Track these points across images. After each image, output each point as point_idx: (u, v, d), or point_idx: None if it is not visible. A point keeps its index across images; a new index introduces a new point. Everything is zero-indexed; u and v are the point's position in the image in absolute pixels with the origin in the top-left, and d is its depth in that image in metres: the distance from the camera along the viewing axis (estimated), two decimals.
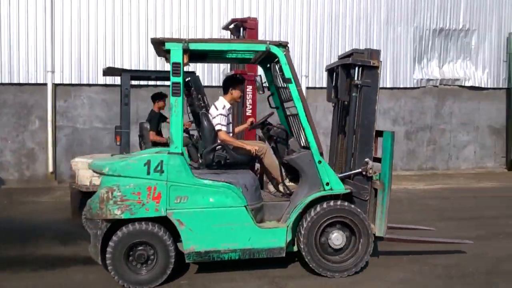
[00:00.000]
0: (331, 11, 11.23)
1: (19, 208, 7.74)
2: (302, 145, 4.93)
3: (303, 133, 4.67)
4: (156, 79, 8.52)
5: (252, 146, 4.78)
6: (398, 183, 9.65)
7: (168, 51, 4.24)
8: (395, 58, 11.57)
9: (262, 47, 4.45)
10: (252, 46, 4.68)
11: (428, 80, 11.90)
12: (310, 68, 11.16)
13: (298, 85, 4.47)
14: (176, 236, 4.27)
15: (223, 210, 4.29)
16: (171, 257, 4.21)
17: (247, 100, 7.41)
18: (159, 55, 4.99)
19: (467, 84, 12.06)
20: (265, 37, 10.07)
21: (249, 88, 7.33)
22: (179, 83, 4.25)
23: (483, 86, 12.15)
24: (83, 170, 6.23)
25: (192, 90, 6.91)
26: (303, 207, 4.39)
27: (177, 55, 4.23)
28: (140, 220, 4.18)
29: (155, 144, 6.85)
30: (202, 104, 6.87)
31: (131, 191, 4.15)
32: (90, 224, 4.51)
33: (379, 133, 4.78)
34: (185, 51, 4.25)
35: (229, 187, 4.30)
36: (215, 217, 4.27)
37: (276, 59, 4.57)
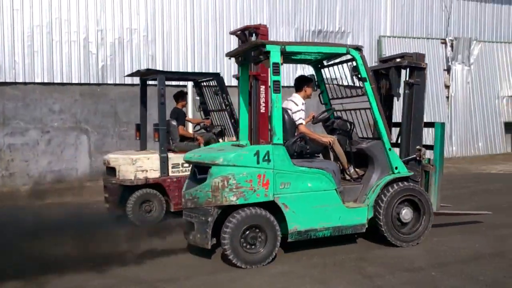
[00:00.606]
0: (214, 11, 11.33)
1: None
2: (359, 136, 5.67)
3: (364, 125, 5.44)
4: (181, 79, 9.29)
5: (328, 138, 5.40)
6: None
7: (268, 53, 4.72)
8: None
9: (343, 50, 5.17)
10: (335, 49, 5.36)
11: None
12: (196, 68, 11.13)
13: (372, 83, 5.20)
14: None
15: (319, 193, 4.91)
16: (278, 237, 4.72)
17: (261, 99, 7.90)
18: (237, 61, 5.43)
19: (344, 83, 12.73)
20: None
21: (262, 88, 7.86)
22: (278, 81, 4.76)
23: (356, 85, 13.29)
24: (125, 165, 6.48)
25: (218, 89, 7.35)
26: (381, 188, 5.13)
27: (276, 56, 4.75)
28: (250, 205, 4.62)
29: (183, 138, 7.20)
30: (227, 102, 7.34)
31: (244, 179, 4.60)
32: (192, 213, 4.82)
33: (427, 124, 5.67)
34: (282, 52, 4.76)
35: (323, 173, 4.93)
36: (313, 199, 4.88)
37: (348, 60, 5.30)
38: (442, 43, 14.18)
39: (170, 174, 6.71)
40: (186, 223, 4.95)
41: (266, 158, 4.67)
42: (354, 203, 5.19)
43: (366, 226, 5.13)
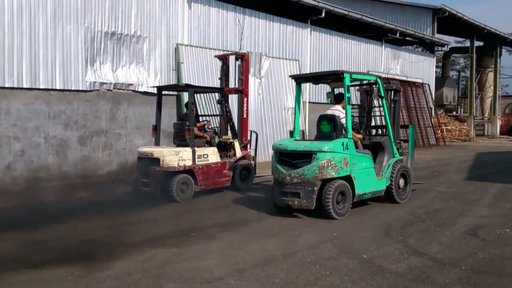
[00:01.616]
0: None
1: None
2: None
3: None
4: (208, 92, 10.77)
5: (358, 135, 8.01)
6: None
7: (343, 78, 7.36)
8: (65, 58, 10.89)
9: (373, 78, 8.28)
10: (369, 77, 8.59)
11: (102, 83, 11.51)
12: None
13: (386, 100, 8.24)
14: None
15: (368, 170, 7.68)
16: (351, 199, 7.30)
17: (244, 108, 10.50)
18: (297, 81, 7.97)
19: (141, 89, 12.27)
20: None
21: (245, 100, 10.63)
22: (349, 97, 7.39)
23: (155, 92, 11.02)
24: (170, 156, 8.67)
25: (221, 99, 10.23)
26: (392, 167, 8.10)
27: (348, 80, 7.42)
28: (339, 178, 7.14)
29: (196, 137, 9.36)
30: (227, 110, 10.22)
31: (338, 160, 7.14)
32: (298, 186, 7.11)
33: (402, 126, 9.08)
34: (350, 78, 7.48)
35: (368, 157, 7.75)
36: (365, 173, 7.59)
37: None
38: None
39: (197, 162, 8.97)
40: (289, 193, 7.15)
41: (346, 147, 7.21)
42: (378, 176, 7.92)
43: (384, 191, 8.02)
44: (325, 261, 5.20)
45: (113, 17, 11.76)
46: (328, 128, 7.56)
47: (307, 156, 7.09)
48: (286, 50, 16.63)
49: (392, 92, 8.74)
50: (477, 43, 30.19)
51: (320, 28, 18.19)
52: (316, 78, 9.02)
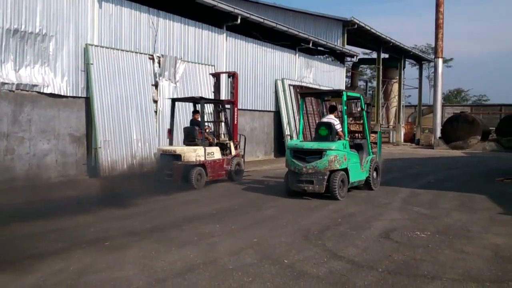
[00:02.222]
0: None
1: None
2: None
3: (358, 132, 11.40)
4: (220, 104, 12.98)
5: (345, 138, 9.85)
6: None
7: (342, 95, 9.81)
8: None
9: (358, 95, 10.95)
10: (355, 94, 11.20)
11: (3, 83, 10.70)
12: None
13: (366, 110, 10.67)
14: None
15: (356, 164, 10.03)
16: (347, 185, 9.68)
17: (235, 116, 12.89)
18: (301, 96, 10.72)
19: (46, 90, 11.58)
20: None
21: (235, 109, 13.01)
22: (346, 109, 10.03)
23: (62, 93, 11.92)
24: (189, 153, 10.97)
25: (221, 109, 12.76)
26: (369, 162, 10.49)
27: (345, 97, 9.85)
28: (341, 170, 9.43)
29: (206, 139, 11.63)
30: (226, 116, 12.62)
31: (341, 156, 9.42)
32: (313, 175, 9.31)
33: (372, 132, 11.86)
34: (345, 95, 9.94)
35: (356, 155, 10.10)
36: (355, 167, 9.95)
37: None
38: (150, 58, 14.24)
39: (207, 158, 11.28)
40: (305, 180, 9.39)
41: (345, 147, 9.59)
42: (361, 169, 10.26)
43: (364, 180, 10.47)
44: (247, 268, 5.08)
45: (16, 13, 10.92)
46: (325, 132, 9.76)
47: (316, 153, 9.37)
48: (202, 54, 16.45)
49: (366, 105, 10.78)
50: (383, 55, 32.04)
51: (236, 34, 18.23)
52: (319, 94, 12.42)
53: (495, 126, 30.44)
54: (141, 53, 14.06)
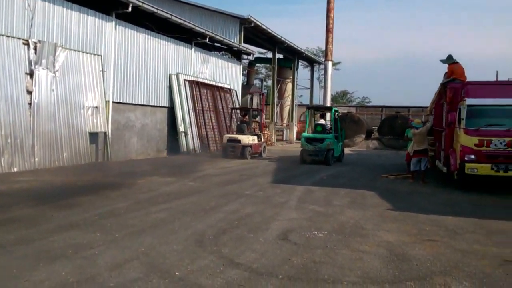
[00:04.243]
0: None
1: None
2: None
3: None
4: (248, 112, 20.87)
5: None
6: None
7: (331, 110, 18.93)
8: None
9: (335, 109, 19.12)
10: (335, 108, 19.27)
11: None
12: None
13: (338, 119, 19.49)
14: None
15: (338, 147, 18.28)
16: (334, 158, 17.74)
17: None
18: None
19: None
20: None
21: (262, 114, 21.63)
22: (336, 118, 18.84)
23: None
24: (245, 138, 18.52)
25: (258, 114, 22.09)
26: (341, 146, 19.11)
27: (333, 111, 18.56)
28: (331, 149, 17.41)
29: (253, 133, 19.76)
30: (261, 118, 22.15)
31: (332, 142, 17.27)
32: (317, 152, 17.06)
33: None
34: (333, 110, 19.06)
35: (336, 141, 17.90)
36: (337, 149, 18.08)
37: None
38: (24, 44, 12.66)
39: (251, 142, 18.80)
40: (313, 155, 17.15)
41: (334, 137, 17.46)
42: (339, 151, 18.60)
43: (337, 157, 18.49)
44: (132, 284, 4.40)
45: None
46: (320, 128, 17.60)
47: (319, 140, 16.98)
48: (87, 43, 15.10)
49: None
50: (278, 55, 32.57)
51: (127, 23, 17.04)
52: (319, 108, 21.90)
53: (377, 126, 32.41)
54: (13, 37, 12.46)
